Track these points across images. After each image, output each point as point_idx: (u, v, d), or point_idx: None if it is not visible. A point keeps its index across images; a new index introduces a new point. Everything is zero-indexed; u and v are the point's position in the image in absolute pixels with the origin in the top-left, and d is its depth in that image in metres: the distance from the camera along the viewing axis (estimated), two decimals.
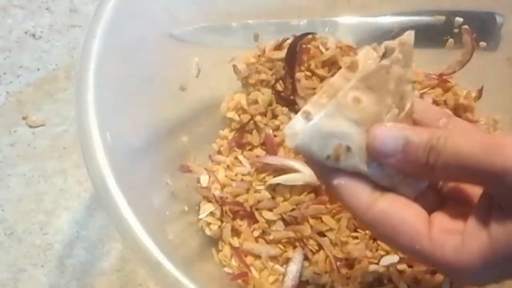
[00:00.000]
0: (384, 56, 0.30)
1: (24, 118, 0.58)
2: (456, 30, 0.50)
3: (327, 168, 0.29)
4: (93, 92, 0.36)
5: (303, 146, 0.28)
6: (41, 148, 0.57)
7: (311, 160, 0.30)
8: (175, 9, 0.46)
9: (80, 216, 0.53)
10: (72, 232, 0.52)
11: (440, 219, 0.28)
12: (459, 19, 0.50)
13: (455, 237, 0.27)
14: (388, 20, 0.53)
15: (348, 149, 0.28)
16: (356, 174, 0.29)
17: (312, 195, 0.44)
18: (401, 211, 0.28)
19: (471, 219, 0.27)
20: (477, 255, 0.26)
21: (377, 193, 0.29)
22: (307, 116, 0.29)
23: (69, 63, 0.61)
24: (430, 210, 0.29)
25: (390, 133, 0.28)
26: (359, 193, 0.28)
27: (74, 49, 0.62)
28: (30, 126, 0.58)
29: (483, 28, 0.49)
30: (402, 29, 0.45)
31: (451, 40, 0.51)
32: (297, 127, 0.29)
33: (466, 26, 0.46)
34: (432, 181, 0.30)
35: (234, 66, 0.50)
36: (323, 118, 0.28)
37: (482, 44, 0.49)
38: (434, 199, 0.31)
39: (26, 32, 0.63)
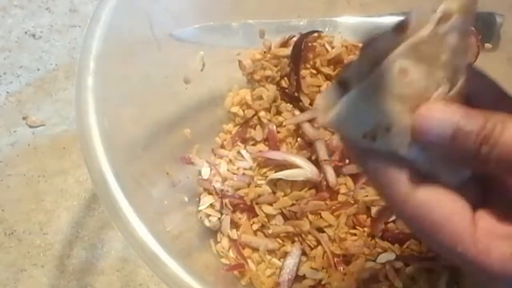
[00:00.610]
0: (440, 21, 0.25)
1: (24, 118, 0.58)
2: None
3: (362, 148, 0.25)
4: (93, 92, 0.36)
5: (337, 121, 0.25)
6: (41, 148, 0.57)
7: (346, 138, 0.26)
8: (175, 9, 0.46)
9: (80, 216, 0.53)
10: (72, 232, 0.52)
11: (487, 219, 0.25)
12: None
13: (504, 244, 0.24)
14: (388, 20, 0.53)
15: (388, 128, 0.25)
16: (393, 157, 0.25)
17: (313, 191, 0.45)
18: (443, 205, 0.25)
19: None
20: None
21: (416, 181, 0.25)
22: (345, 86, 0.25)
23: (69, 63, 0.61)
24: (472, 205, 0.26)
25: (439, 116, 0.24)
26: (397, 180, 0.25)
27: (74, 49, 0.62)
28: (30, 126, 0.58)
29: (483, 28, 0.49)
30: None
31: None
32: (332, 98, 0.25)
33: (471, 28, 0.47)
34: (479, 171, 0.26)
35: (240, 62, 0.51)
36: (363, 91, 0.24)
37: (487, 45, 0.49)
38: (477, 192, 0.26)
39: (26, 32, 0.63)
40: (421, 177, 0.25)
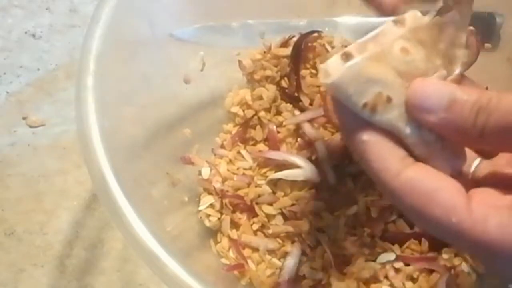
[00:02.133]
0: (439, 12, 0.27)
1: (24, 118, 0.58)
2: None
3: (357, 120, 0.25)
4: (93, 92, 0.36)
5: (339, 85, 0.25)
6: (41, 148, 0.57)
7: (340, 108, 0.26)
8: (175, 9, 0.46)
9: (80, 216, 0.53)
10: (72, 232, 0.52)
11: (482, 193, 0.25)
12: None
13: (501, 212, 0.23)
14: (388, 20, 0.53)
15: (389, 99, 0.25)
16: (389, 135, 0.25)
17: (313, 191, 0.45)
18: (435, 178, 0.24)
19: None
20: None
21: (409, 160, 0.25)
22: (347, 58, 0.25)
23: (69, 63, 0.62)
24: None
25: (434, 87, 0.24)
26: (389, 154, 0.25)
27: (74, 49, 0.62)
28: (30, 126, 0.58)
29: (483, 28, 0.49)
30: None
31: None
32: (336, 64, 0.25)
33: (471, 27, 0.46)
34: (474, 147, 0.26)
35: (240, 62, 0.51)
36: (366, 60, 0.25)
37: (487, 45, 0.49)
38: (470, 184, 0.26)
39: (26, 32, 0.63)
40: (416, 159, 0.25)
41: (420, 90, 0.25)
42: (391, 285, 0.42)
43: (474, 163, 0.27)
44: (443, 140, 0.26)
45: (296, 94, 0.48)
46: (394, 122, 0.25)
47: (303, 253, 0.44)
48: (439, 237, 0.25)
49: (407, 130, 0.25)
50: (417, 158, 0.25)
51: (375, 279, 0.42)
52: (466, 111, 0.24)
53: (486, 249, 0.23)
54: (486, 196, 0.24)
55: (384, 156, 0.25)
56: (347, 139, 0.26)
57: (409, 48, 0.26)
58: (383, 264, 0.42)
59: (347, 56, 0.25)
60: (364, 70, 0.25)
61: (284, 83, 0.49)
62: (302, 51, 0.49)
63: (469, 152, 0.27)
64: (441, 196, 0.24)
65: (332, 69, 0.25)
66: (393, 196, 0.25)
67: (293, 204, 0.44)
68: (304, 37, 0.49)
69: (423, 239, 0.43)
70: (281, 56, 0.50)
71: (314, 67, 0.49)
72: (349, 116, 0.25)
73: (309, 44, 0.50)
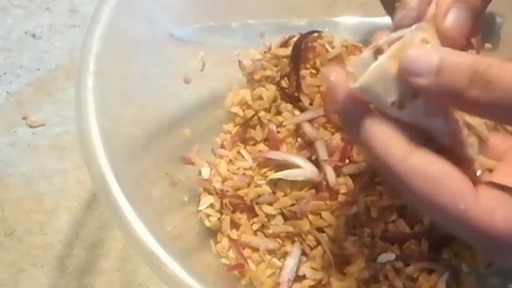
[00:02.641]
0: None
1: (24, 118, 0.58)
2: None
3: (360, 111, 0.25)
4: (93, 92, 0.36)
5: (367, 88, 0.25)
6: (41, 148, 0.57)
7: (334, 97, 0.25)
8: (175, 9, 0.46)
9: (80, 216, 0.53)
10: (72, 232, 0.52)
11: (488, 186, 0.24)
12: None
13: (507, 204, 0.23)
14: (388, 20, 0.53)
15: (415, 94, 0.25)
16: (392, 122, 0.25)
17: (313, 191, 0.45)
18: (443, 166, 0.23)
19: None
20: None
21: (413, 144, 0.24)
22: (378, 54, 0.25)
23: (69, 63, 0.61)
24: None
25: (425, 50, 0.24)
26: (394, 140, 0.24)
27: (74, 49, 0.62)
28: (30, 126, 0.58)
29: (483, 28, 0.49)
30: None
31: None
32: (363, 65, 0.25)
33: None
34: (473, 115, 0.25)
35: (240, 62, 0.51)
36: (391, 58, 0.25)
37: (487, 45, 0.49)
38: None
39: (26, 32, 0.63)
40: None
41: (410, 55, 0.24)
42: (391, 285, 0.42)
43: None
44: (468, 127, 0.26)
45: (296, 94, 0.48)
46: (421, 116, 0.25)
47: (303, 253, 0.44)
48: (443, 224, 0.24)
49: (434, 122, 0.25)
50: (443, 148, 0.25)
51: (375, 279, 0.42)
52: (458, 74, 0.22)
53: (491, 240, 0.23)
54: (492, 188, 0.24)
55: (389, 141, 0.24)
56: (351, 130, 0.26)
57: (428, 39, 0.25)
58: (383, 264, 0.42)
59: (378, 53, 0.25)
60: (389, 68, 0.25)
61: (284, 83, 0.49)
62: (302, 51, 0.49)
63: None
64: (449, 182, 0.23)
65: (358, 71, 0.25)
66: (399, 181, 0.24)
67: (293, 204, 0.44)
68: (304, 37, 0.49)
69: (423, 239, 0.43)
70: (281, 56, 0.50)
71: (314, 67, 0.49)
72: (351, 108, 0.25)
73: (309, 44, 0.50)
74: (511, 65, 0.22)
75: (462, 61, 0.23)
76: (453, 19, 0.25)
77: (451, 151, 0.25)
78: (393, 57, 0.25)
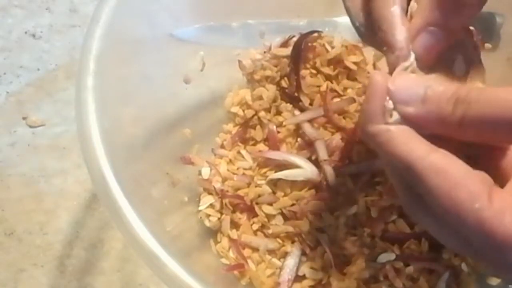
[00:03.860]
0: None
1: (24, 118, 0.58)
2: None
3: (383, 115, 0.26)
4: (93, 92, 0.36)
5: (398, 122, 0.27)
6: (41, 148, 0.57)
7: (366, 103, 0.27)
8: (175, 9, 0.46)
9: (80, 216, 0.53)
10: (72, 232, 0.52)
11: (501, 191, 0.25)
12: None
13: None
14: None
15: None
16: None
17: (313, 191, 0.45)
18: (465, 167, 0.25)
19: None
20: None
21: (435, 147, 0.25)
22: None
23: (69, 63, 0.61)
24: None
25: (411, 81, 0.26)
26: (417, 140, 0.26)
27: (74, 49, 0.62)
28: (30, 126, 0.58)
29: (483, 28, 0.49)
30: None
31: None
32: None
33: (471, 27, 0.47)
34: (460, 140, 0.26)
35: (240, 62, 0.51)
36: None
37: (487, 45, 0.49)
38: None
39: (26, 32, 0.63)
40: None
41: (397, 82, 0.26)
42: (391, 285, 0.42)
43: None
44: None
45: (296, 94, 0.48)
46: None
47: (303, 253, 0.44)
48: (454, 222, 0.25)
49: None
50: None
51: (375, 279, 0.42)
52: (443, 101, 0.25)
53: (498, 245, 0.23)
54: (504, 193, 0.25)
55: (412, 140, 0.25)
56: (370, 130, 0.27)
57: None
58: (383, 264, 0.42)
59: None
60: None
61: (284, 83, 0.49)
62: (302, 51, 0.49)
63: None
64: (469, 182, 0.24)
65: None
66: (418, 175, 0.25)
67: (293, 204, 0.44)
68: (304, 37, 0.49)
69: (423, 239, 0.43)
70: (281, 56, 0.50)
71: (314, 67, 0.49)
72: (376, 110, 0.26)
73: (309, 44, 0.50)
74: (489, 89, 0.24)
75: (446, 89, 0.25)
76: (421, 42, 0.28)
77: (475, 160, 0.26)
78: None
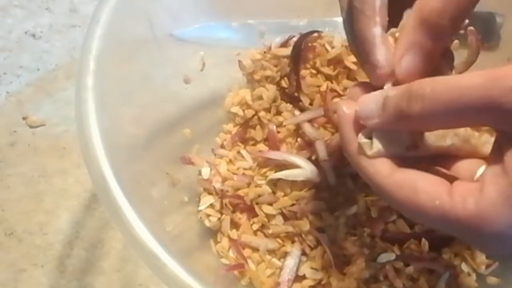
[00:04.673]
0: None
1: (24, 118, 0.58)
2: (461, 31, 0.50)
3: (354, 141, 0.29)
4: (93, 92, 0.36)
5: (381, 149, 0.28)
6: (41, 148, 0.57)
7: (342, 129, 0.29)
8: (175, 9, 0.46)
9: (80, 216, 0.53)
10: (72, 232, 0.52)
11: (463, 184, 0.27)
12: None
13: (476, 192, 0.25)
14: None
15: (421, 133, 0.28)
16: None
17: (313, 191, 0.45)
18: (419, 173, 0.27)
19: (486, 171, 0.25)
20: (495, 194, 0.24)
21: (396, 167, 0.28)
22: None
23: (69, 63, 0.62)
24: None
25: (370, 97, 0.28)
26: (381, 162, 0.28)
27: (74, 49, 0.62)
28: (30, 126, 0.58)
29: (483, 28, 0.49)
30: None
31: (456, 41, 0.51)
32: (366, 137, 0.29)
33: (471, 27, 0.47)
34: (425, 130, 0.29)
35: (240, 62, 0.51)
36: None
37: (487, 45, 0.49)
38: None
39: (26, 32, 0.63)
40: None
41: (360, 102, 0.28)
42: (391, 285, 0.42)
43: (479, 171, 0.28)
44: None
45: (296, 94, 0.48)
46: (435, 147, 0.29)
47: (303, 253, 0.44)
48: (429, 224, 0.28)
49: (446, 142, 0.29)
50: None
51: (375, 279, 0.42)
52: (398, 101, 0.26)
53: (469, 226, 0.25)
54: (465, 185, 0.26)
55: (377, 163, 0.28)
56: (348, 153, 0.30)
57: None
58: (383, 264, 0.42)
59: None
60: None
61: (284, 83, 0.49)
62: (302, 51, 0.49)
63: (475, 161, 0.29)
64: (424, 184, 0.26)
65: (366, 142, 0.28)
66: (385, 193, 0.28)
67: (293, 204, 0.44)
68: (304, 37, 0.49)
69: (423, 239, 0.43)
70: (281, 56, 0.50)
71: (314, 67, 0.49)
72: (349, 136, 0.29)
73: (309, 44, 0.50)
74: (439, 78, 0.25)
75: (399, 90, 0.26)
76: (406, 63, 0.28)
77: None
78: None
